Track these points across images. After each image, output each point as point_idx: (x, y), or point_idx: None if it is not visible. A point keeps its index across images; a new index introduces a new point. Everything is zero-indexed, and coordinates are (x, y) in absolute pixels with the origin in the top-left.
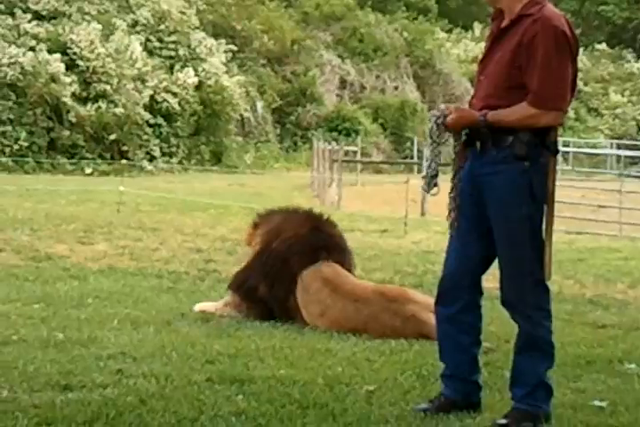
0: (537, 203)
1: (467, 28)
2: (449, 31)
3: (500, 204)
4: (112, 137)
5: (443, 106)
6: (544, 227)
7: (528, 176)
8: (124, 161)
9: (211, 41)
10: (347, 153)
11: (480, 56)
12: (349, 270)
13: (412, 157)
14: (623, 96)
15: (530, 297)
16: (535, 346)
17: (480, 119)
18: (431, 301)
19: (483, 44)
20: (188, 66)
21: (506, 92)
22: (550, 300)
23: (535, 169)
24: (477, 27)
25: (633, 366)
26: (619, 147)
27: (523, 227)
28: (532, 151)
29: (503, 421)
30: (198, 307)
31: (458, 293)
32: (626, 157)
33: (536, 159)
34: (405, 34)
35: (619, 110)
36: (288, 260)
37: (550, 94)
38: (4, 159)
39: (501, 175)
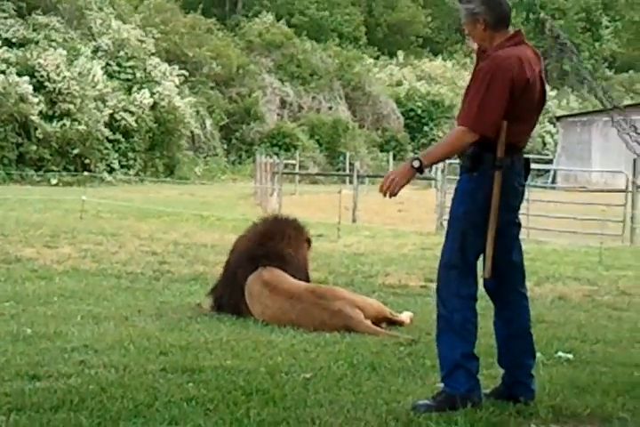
0: (474, 207)
1: (392, 54)
2: (376, 58)
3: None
4: (75, 151)
5: None
6: (489, 229)
7: (472, 184)
8: (86, 173)
9: (165, 66)
10: (286, 166)
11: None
12: (293, 275)
13: (344, 170)
14: None
15: (447, 283)
16: (450, 330)
17: (417, 168)
18: (358, 298)
19: (405, 70)
20: (144, 88)
21: None
22: (472, 289)
23: (480, 179)
24: (401, 54)
25: (538, 354)
26: None
27: (453, 222)
28: (476, 164)
29: (424, 401)
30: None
31: None
32: (532, 169)
33: (483, 171)
34: (337, 60)
35: None
36: (236, 272)
37: (468, 114)
38: None
39: (459, 182)
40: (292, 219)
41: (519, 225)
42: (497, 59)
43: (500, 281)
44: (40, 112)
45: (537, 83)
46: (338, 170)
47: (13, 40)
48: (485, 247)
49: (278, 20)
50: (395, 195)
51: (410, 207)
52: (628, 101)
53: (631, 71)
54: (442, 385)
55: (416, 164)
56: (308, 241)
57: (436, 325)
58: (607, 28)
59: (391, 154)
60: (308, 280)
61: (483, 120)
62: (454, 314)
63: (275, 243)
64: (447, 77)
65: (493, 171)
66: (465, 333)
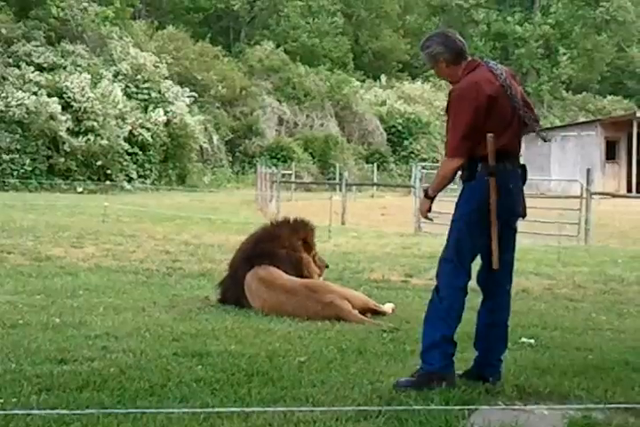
0: (470, 210)
1: (376, 78)
2: (362, 81)
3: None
4: (98, 163)
5: None
6: (492, 227)
7: (469, 191)
8: (107, 182)
9: (177, 88)
10: (284, 175)
11: None
12: (286, 271)
13: (334, 179)
14: None
15: (442, 275)
16: (436, 314)
17: (427, 197)
18: (347, 292)
19: (388, 91)
20: (158, 107)
21: None
22: (463, 281)
23: (475, 186)
24: (384, 77)
25: None
26: None
27: (452, 224)
28: (472, 174)
29: (405, 378)
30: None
31: None
32: None
33: (478, 180)
34: (328, 82)
35: None
36: (237, 270)
37: (447, 146)
38: (12, 180)
39: (461, 191)
40: (292, 221)
41: (515, 230)
42: (456, 90)
43: (490, 277)
44: (67, 128)
45: (507, 94)
46: (329, 179)
47: (44, 65)
48: (486, 245)
49: (277, 48)
50: (430, 219)
51: (392, 211)
52: (582, 118)
53: (584, 93)
54: (420, 363)
55: (424, 193)
56: (305, 241)
57: (427, 308)
58: (564, 54)
59: (375, 165)
60: (303, 276)
61: (457, 146)
62: (443, 301)
63: (267, 244)
64: (424, 98)
65: (488, 177)
66: (448, 319)
